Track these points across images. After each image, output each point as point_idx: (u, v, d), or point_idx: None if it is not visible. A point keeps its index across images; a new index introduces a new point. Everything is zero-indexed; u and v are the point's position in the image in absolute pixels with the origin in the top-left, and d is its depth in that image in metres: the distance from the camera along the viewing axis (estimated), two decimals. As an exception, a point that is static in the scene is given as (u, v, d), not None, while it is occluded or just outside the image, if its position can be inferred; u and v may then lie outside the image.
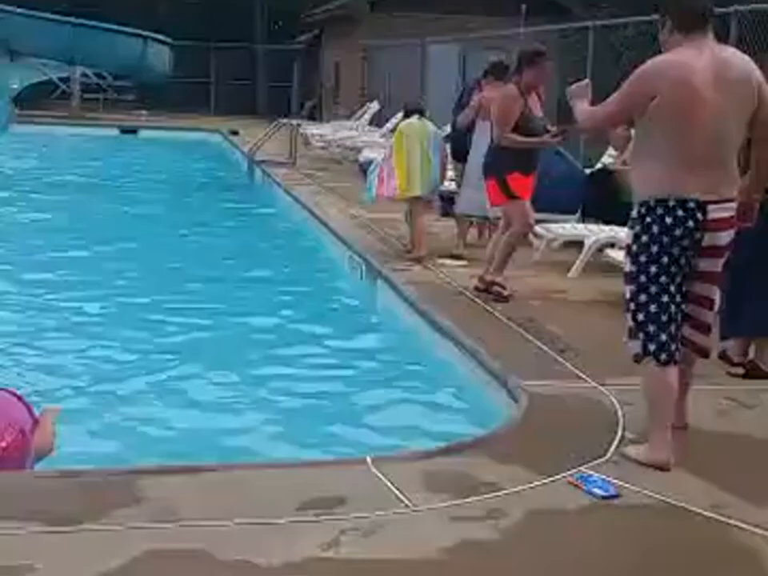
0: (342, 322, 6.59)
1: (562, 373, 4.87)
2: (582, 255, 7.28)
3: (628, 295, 3.75)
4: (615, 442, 3.92)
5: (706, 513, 3.33)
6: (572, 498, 3.42)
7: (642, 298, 3.68)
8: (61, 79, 24.73)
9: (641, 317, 3.70)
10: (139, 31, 21.98)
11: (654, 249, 3.63)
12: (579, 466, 3.65)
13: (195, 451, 4.11)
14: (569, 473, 3.59)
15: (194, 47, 26.48)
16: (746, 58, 3.71)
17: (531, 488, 3.49)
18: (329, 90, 25.29)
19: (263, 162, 14.52)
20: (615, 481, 3.54)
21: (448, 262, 7.64)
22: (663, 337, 3.67)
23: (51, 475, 3.46)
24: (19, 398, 3.83)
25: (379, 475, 3.52)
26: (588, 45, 11.15)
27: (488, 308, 6.13)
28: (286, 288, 7.62)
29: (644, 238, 3.66)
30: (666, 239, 3.61)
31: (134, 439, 4.28)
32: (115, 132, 21.33)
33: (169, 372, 5.38)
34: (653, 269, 3.65)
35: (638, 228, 3.69)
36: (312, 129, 18.13)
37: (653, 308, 3.66)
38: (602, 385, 4.65)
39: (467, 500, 3.37)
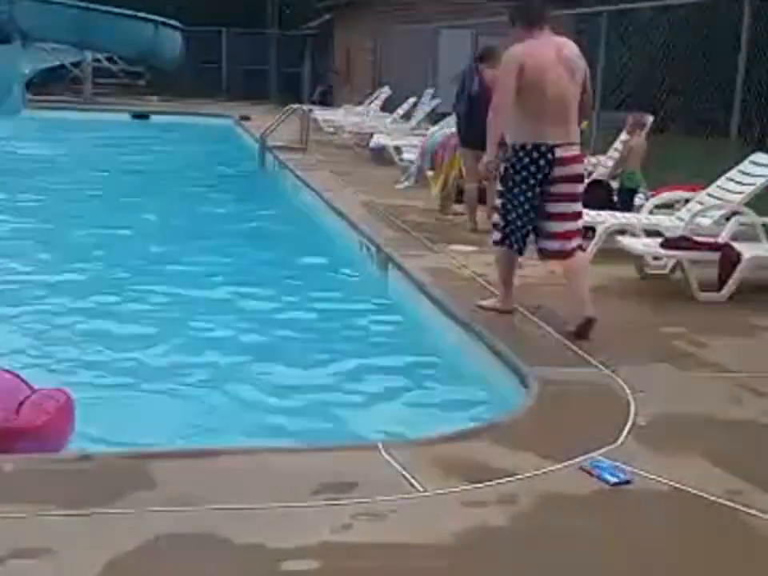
0: (352, 308, 6.60)
1: (573, 359, 4.87)
2: (593, 241, 7.25)
3: (499, 204, 5.41)
4: (627, 429, 3.92)
5: (719, 499, 3.33)
6: (583, 485, 3.42)
7: (508, 208, 5.31)
8: (73, 64, 24.75)
9: (504, 221, 5.37)
10: (151, 16, 21.95)
11: (518, 177, 5.20)
12: (591, 452, 3.65)
13: (210, 435, 4.13)
14: (580, 459, 3.59)
15: (206, 32, 26.47)
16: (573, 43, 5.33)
17: (543, 474, 3.49)
18: (340, 75, 25.24)
19: (274, 147, 14.51)
20: (627, 467, 3.54)
21: (460, 247, 7.64)
22: (517, 234, 5.34)
23: (66, 458, 3.49)
24: (19, 377, 3.90)
25: (390, 460, 3.53)
26: (600, 30, 11.09)
27: (498, 293, 6.11)
28: (295, 273, 7.63)
29: (513, 169, 5.22)
30: (525, 172, 5.17)
31: (149, 422, 4.30)
32: (127, 117, 21.35)
33: (183, 357, 5.39)
34: (516, 190, 5.23)
35: (510, 162, 5.23)
36: (323, 114, 18.11)
37: (512, 216, 5.29)
38: (614, 371, 4.65)
39: (479, 486, 3.38)
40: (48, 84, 23.37)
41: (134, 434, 4.12)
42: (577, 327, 5.20)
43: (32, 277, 7.15)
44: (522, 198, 5.22)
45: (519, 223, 5.29)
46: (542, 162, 5.12)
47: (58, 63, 23.83)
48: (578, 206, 5.36)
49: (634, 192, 8.15)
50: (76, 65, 24.75)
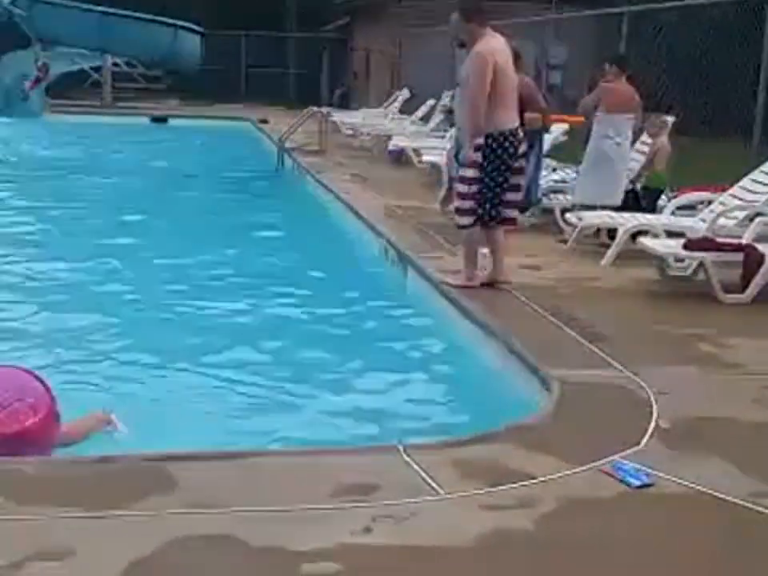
0: (371, 309, 6.59)
1: (594, 361, 4.84)
2: (614, 243, 7.22)
3: (466, 189, 5.99)
4: (649, 431, 3.89)
5: (742, 502, 3.30)
6: (606, 487, 3.40)
7: (485, 190, 5.96)
8: (92, 68, 24.89)
9: (477, 203, 5.99)
10: (170, 20, 22.03)
11: (498, 161, 5.91)
12: (613, 455, 3.62)
13: (229, 437, 4.13)
14: (602, 462, 3.56)
15: (225, 36, 26.54)
16: None
17: (564, 477, 3.47)
18: (359, 77, 25.25)
19: (293, 149, 14.54)
20: (649, 470, 3.51)
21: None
22: (491, 212, 6.04)
23: (88, 461, 3.50)
24: (38, 378, 3.91)
25: (411, 462, 3.52)
26: (622, 30, 11.03)
27: (519, 296, 6.11)
28: (315, 274, 7.63)
29: (494, 154, 5.89)
30: (505, 155, 5.92)
31: (167, 425, 4.30)
32: (146, 121, 21.44)
33: (202, 358, 5.39)
34: (495, 172, 5.93)
35: (482, 148, 5.87)
36: (342, 117, 18.12)
37: (489, 195, 5.98)
38: (635, 373, 4.62)
39: (499, 488, 3.36)
40: (68, 88, 23.50)
41: (152, 436, 4.12)
42: (491, 281, 6.20)
43: (46, 282, 7.16)
44: (500, 179, 5.97)
45: (495, 201, 6.02)
46: (514, 142, 5.95)
47: (78, 67, 23.95)
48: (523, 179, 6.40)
49: (659, 193, 8.10)
50: (96, 69, 24.89)
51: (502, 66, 5.90)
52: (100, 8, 21.33)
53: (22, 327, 5.86)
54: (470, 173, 5.98)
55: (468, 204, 6.03)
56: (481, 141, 5.88)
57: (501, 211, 6.07)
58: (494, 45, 5.94)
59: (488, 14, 6.02)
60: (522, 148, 6.08)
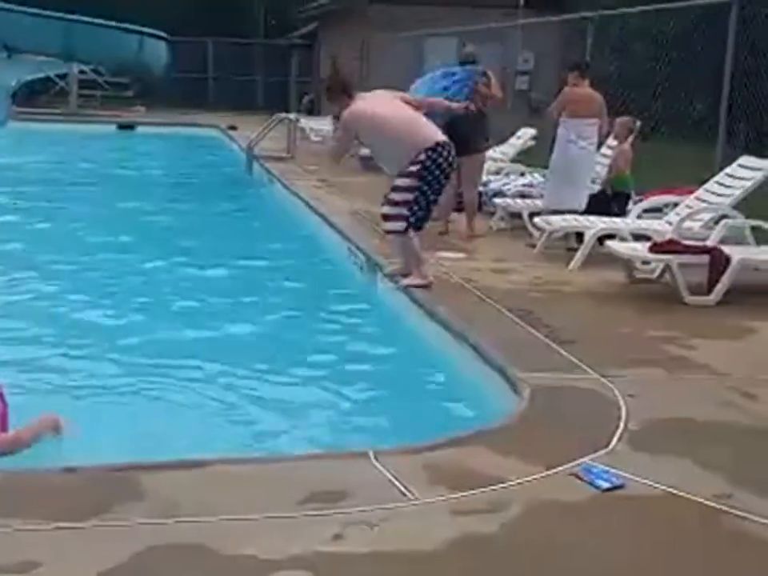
0: (340, 316, 6.57)
1: (563, 364, 4.86)
2: (582, 246, 7.26)
3: (403, 197, 6.24)
4: (618, 433, 3.91)
5: (711, 503, 3.32)
6: (575, 490, 3.41)
7: (424, 197, 6.26)
8: (58, 76, 24.70)
9: (413, 211, 6.27)
10: (136, 26, 21.93)
11: (438, 171, 6.20)
12: (582, 457, 3.64)
13: (197, 446, 4.09)
14: (572, 465, 3.58)
15: (191, 42, 26.45)
16: None
17: (534, 480, 3.47)
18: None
19: (262, 156, 14.49)
20: (619, 472, 3.52)
21: (448, 254, 7.64)
22: (427, 216, 6.44)
23: (54, 471, 3.45)
24: None
25: (381, 468, 3.51)
26: (586, 36, 11.13)
27: (489, 300, 6.12)
28: (284, 283, 7.61)
29: (435, 164, 6.17)
30: (444, 164, 6.23)
31: (136, 434, 4.25)
32: (113, 128, 21.30)
33: (172, 367, 5.35)
34: (435, 182, 6.24)
35: (432, 159, 6.16)
36: (310, 123, 18.10)
37: (426, 201, 6.29)
38: (604, 376, 4.64)
39: (469, 493, 3.36)
40: (33, 96, 23.31)
41: (119, 445, 4.08)
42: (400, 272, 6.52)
43: (18, 295, 7.08)
44: (438, 186, 6.30)
45: (431, 207, 6.42)
46: (450, 151, 6.29)
47: (43, 75, 23.76)
48: None
49: (626, 196, 8.17)
50: (61, 76, 24.70)
51: (380, 113, 6.27)
52: (65, 15, 21.20)
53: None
54: (408, 182, 6.21)
55: (404, 210, 6.25)
56: (422, 156, 6.16)
57: (427, 218, 6.46)
58: (361, 104, 6.35)
59: (351, 86, 6.61)
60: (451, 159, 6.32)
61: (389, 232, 6.43)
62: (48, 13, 21.25)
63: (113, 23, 21.66)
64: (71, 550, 2.88)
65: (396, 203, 6.28)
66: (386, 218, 6.39)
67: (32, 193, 12.22)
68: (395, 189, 6.31)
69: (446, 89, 8.30)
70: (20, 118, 19.94)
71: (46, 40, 20.65)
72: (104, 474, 3.43)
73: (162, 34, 22.66)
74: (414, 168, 6.16)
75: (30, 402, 4.45)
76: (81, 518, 3.05)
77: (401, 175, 6.23)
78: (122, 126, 21.52)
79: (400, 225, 6.30)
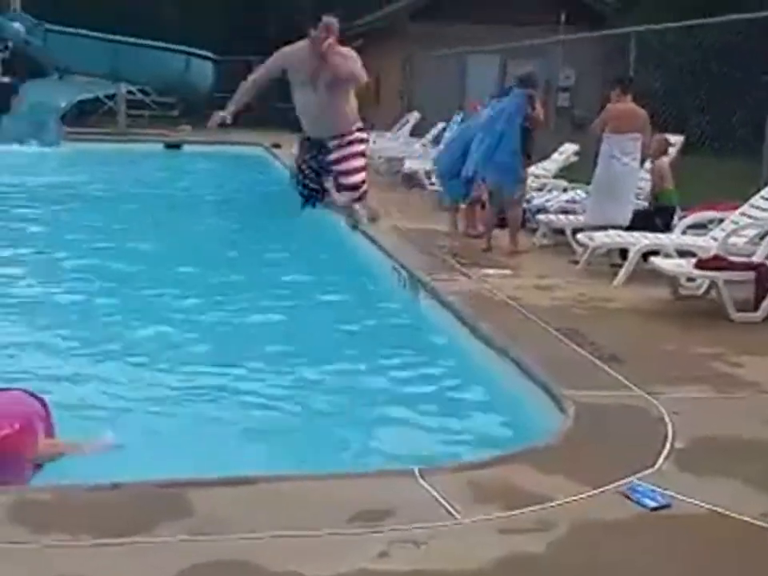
0: (384, 332, 6.60)
1: (608, 382, 4.83)
2: (626, 263, 7.22)
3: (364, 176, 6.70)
4: (665, 452, 3.88)
5: (758, 522, 3.29)
6: (622, 509, 3.39)
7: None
8: (107, 96, 25.11)
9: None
10: (183, 47, 22.24)
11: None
12: (628, 476, 3.62)
13: (243, 463, 4.13)
14: (618, 483, 3.56)
15: (237, 62, 26.70)
16: None
17: (580, 499, 3.46)
18: (369, 100, 25.35)
19: (306, 174, 14.56)
20: (666, 491, 3.50)
21: (492, 272, 7.64)
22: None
23: (102, 487, 3.51)
24: (40, 400, 3.98)
25: (427, 486, 3.52)
26: (629, 51, 11.08)
27: (532, 317, 6.12)
28: (328, 297, 7.64)
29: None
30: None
31: (182, 451, 4.31)
32: (160, 147, 21.59)
33: (219, 383, 5.41)
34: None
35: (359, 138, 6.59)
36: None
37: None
38: (650, 394, 4.61)
39: (515, 512, 3.36)
40: (83, 116, 23.70)
41: (166, 462, 4.14)
42: None
43: (59, 306, 7.21)
44: None
45: None
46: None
47: (92, 96, 24.17)
48: None
49: (671, 211, 8.11)
50: (110, 97, 25.11)
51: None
52: (114, 37, 21.56)
53: (33, 350, 5.89)
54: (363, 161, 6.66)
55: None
56: (364, 134, 6.68)
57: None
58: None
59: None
60: None
61: (360, 199, 6.77)
62: (97, 35, 21.65)
63: (160, 44, 22.00)
64: (118, 565, 2.93)
65: (363, 180, 6.70)
66: (357, 188, 6.65)
67: (83, 210, 12.44)
68: (358, 170, 6.63)
69: (502, 135, 8.36)
70: (70, 138, 20.31)
71: (96, 61, 21.03)
72: (150, 490, 3.48)
73: (209, 54, 22.95)
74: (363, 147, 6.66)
75: (76, 414, 4.54)
76: (128, 533, 3.10)
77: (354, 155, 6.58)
78: (169, 145, 21.81)
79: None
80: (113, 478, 3.52)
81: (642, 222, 7.88)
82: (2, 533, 3.07)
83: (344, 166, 6.63)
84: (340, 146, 6.63)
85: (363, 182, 6.72)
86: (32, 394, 4.14)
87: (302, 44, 6.57)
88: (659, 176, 8.14)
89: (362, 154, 6.74)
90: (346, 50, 6.56)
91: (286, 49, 6.81)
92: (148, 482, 3.55)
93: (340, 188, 6.69)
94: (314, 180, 6.87)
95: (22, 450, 3.84)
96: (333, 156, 6.64)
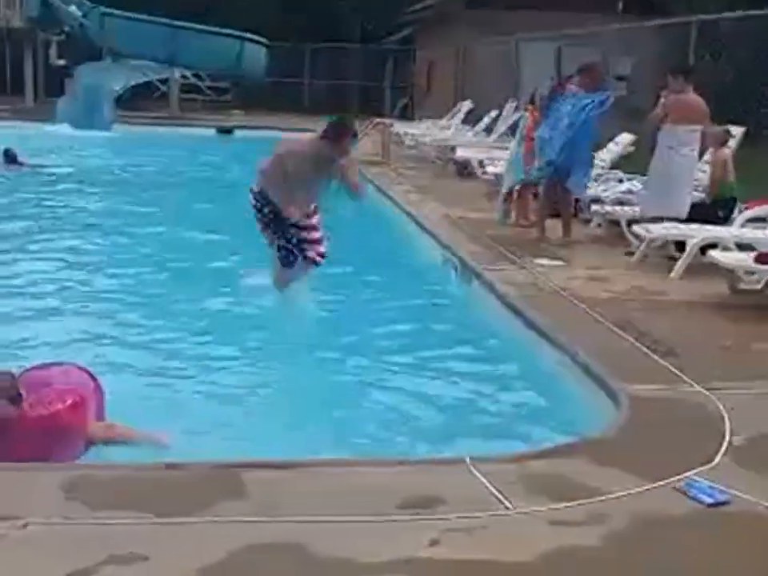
0: (435, 322, 6.57)
1: (664, 376, 4.75)
2: (684, 255, 7.10)
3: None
4: (723, 448, 3.81)
5: (819, 523, 3.21)
6: (678, 505, 3.33)
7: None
8: (160, 80, 25.35)
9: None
10: (236, 32, 22.34)
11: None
12: (685, 472, 3.55)
13: (296, 447, 4.14)
14: (674, 479, 3.50)
15: (289, 48, 26.82)
16: None
17: (635, 493, 3.41)
18: (421, 88, 25.30)
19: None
20: (723, 488, 3.43)
21: (544, 262, 7.56)
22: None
23: (157, 467, 3.54)
24: (92, 377, 4.04)
25: (478, 476, 3.49)
26: (690, 40, 10.88)
27: (587, 309, 6.04)
28: (378, 287, 7.63)
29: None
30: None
31: (237, 433, 4.34)
32: (212, 132, 21.75)
33: (269, 370, 5.43)
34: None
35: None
36: (404, 128, 18.15)
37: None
38: (707, 389, 4.53)
39: (568, 504, 3.31)
40: (136, 100, 23.96)
41: (221, 444, 4.16)
42: None
43: (110, 292, 7.27)
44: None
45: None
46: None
47: (146, 79, 24.41)
48: None
49: (731, 203, 7.96)
50: (163, 81, 25.34)
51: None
52: (169, 21, 21.71)
53: (88, 335, 5.96)
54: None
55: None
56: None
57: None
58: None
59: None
60: None
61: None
62: (153, 19, 21.82)
63: (214, 29, 22.12)
64: (174, 545, 2.95)
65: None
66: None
67: (135, 194, 12.57)
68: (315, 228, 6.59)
69: (583, 129, 8.32)
70: (122, 122, 20.53)
71: (151, 45, 21.21)
72: (206, 471, 3.50)
73: (262, 40, 23.03)
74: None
75: (134, 399, 4.59)
76: (183, 513, 3.12)
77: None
78: (221, 130, 21.97)
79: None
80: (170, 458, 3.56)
81: (700, 214, 7.73)
82: (58, 510, 3.11)
83: (313, 236, 6.60)
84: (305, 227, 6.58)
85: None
86: (87, 373, 4.20)
87: (315, 137, 6.46)
88: (721, 167, 7.99)
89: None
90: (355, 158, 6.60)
91: (302, 140, 6.76)
92: (202, 463, 3.58)
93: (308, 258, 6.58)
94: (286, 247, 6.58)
95: (72, 426, 3.89)
96: (303, 233, 6.55)
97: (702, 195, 8.31)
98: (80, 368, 4.22)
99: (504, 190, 9.69)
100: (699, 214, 7.75)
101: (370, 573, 2.83)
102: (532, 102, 9.77)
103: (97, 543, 2.91)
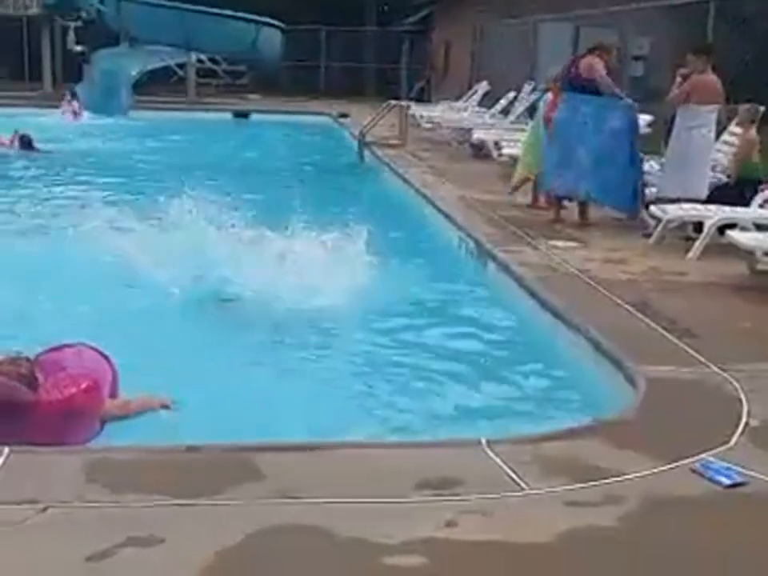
0: (451, 303, 6.57)
1: (680, 357, 4.74)
2: (701, 236, 7.06)
3: None
4: (740, 430, 3.80)
5: (837, 504, 3.20)
6: (695, 486, 3.33)
7: None
8: (177, 65, 25.33)
9: None
10: (252, 16, 22.27)
11: None
12: (702, 453, 3.55)
13: (312, 429, 4.16)
14: (691, 460, 3.50)
15: (305, 31, 26.74)
16: None
17: (651, 475, 3.41)
18: (438, 70, 25.17)
19: (373, 143, 14.57)
20: (740, 469, 3.42)
21: (560, 244, 7.54)
22: None
23: (177, 450, 3.56)
24: (105, 356, 4.09)
25: (494, 457, 3.50)
26: (708, 20, 10.77)
27: (603, 290, 6.02)
28: (394, 268, 7.60)
29: None
30: None
31: (254, 415, 4.35)
32: (228, 116, 21.75)
33: (292, 347, 5.43)
34: None
35: None
36: (421, 110, 18.08)
37: None
38: (724, 370, 4.51)
39: (584, 485, 3.32)
40: (153, 85, 23.96)
41: (238, 426, 4.18)
42: None
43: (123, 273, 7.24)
44: None
45: None
46: None
47: (163, 64, 24.40)
48: None
49: (756, 184, 7.89)
50: (180, 66, 25.33)
51: None
52: (185, 5, 21.67)
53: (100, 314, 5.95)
54: None
55: None
56: None
57: None
58: None
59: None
60: None
61: None
62: (169, 3, 21.77)
63: (230, 12, 22.05)
64: (193, 527, 2.98)
65: None
66: None
67: (155, 179, 12.58)
68: None
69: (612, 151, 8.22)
70: (140, 107, 20.55)
71: (168, 30, 21.18)
72: (225, 454, 3.53)
73: (278, 24, 22.94)
74: None
75: (149, 378, 4.60)
76: (202, 496, 3.15)
77: None
78: (238, 114, 21.96)
79: None
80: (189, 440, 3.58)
81: (725, 195, 7.66)
82: (78, 492, 3.14)
83: None
84: None
85: None
86: (99, 353, 4.25)
87: None
88: (750, 146, 7.90)
89: None
90: None
91: None
92: (222, 445, 3.60)
93: None
94: None
95: (87, 409, 3.94)
96: None
97: (720, 176, 8.25)
98: (92, 348, 4.28)
99: (522, 175, 9.58)
100: (723, 195, 7.68)
101: (387, 554, 2.84)
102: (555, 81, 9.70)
103: (116, 526, 2.94)
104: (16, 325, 5.49)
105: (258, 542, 2.89)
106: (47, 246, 7.87)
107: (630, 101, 8.34)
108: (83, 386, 3.93)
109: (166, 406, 4.27)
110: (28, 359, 3.97)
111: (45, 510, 3.01)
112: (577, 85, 8.40)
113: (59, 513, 3.01)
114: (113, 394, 4.21)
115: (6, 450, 3.40)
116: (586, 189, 8.37)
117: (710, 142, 7.98)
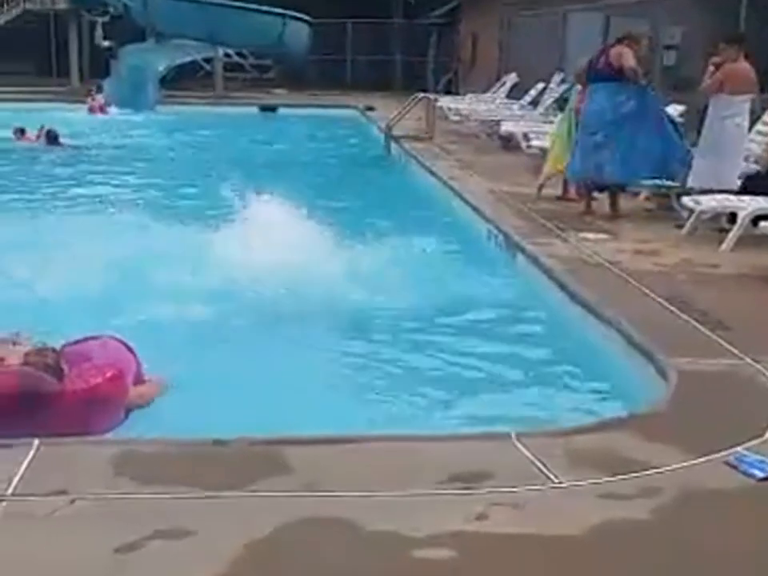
0: (479, 296, 6.51)
1: (713, 349, 4.68)
2: (735, 227, 6.97)
3: None
4: (774, 422, 3.74)
5: None
6: (728, 479, 3.28)
7: None
8: (204, 60, 25.42)
9: None
10: (279, 10, 22.29)
11: None
12: (735, 445, 3.50)
13: (340, 422, 4.14)
14: (724, 453, 3.44)
15: (332, 24, 26.73)
16: None
17: (684, 467, 3.36)
18: (465, 62, 25.06)
19: (400, 137, 14.53)
20: (775, 462, 3.37)
21: (590, 236, 7.47)
22: None
23: (202, 442, 3.56)
24: (129, 348, 4.13)
25: (524, 450, 3.47)
26: (740, 8, 10.63)
27: (634, 282, 5.96)
28: (422, 261, 7.57)
29: None
30: None
31: (280, 408, 4.34)
32: (255, 110, 21.79)
33: (311, 342, 5.42)
34: None
35: None
36: (449, 103, 18.02)
37: None
38: (757, 361, 4.44)
39: (615, 478, 3.28)
40: (180, 80, 24.06)
41: (264, 420, 4.17)
42: None
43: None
44: None
45: None
46: None
47: (190, 59, 24.48)
48: None
49: None
50: (207, 60, 25.41)
51: None
52: (212, 0, 21.73)
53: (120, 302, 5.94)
54: None
55: None
56: None
57: None
58: None
59: None
60: None
61: None
62: (195, -2, 21.84)
63: (256, 6, 22.08)
64: (222, 519, 2.97)
65: None
66: None
67: (184, 174, 12.64)
68: None
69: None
70: (167, 102, 20.64)
71: (195, 25, 21.25)
72: (252, 447, 3.52)
73: (305, 17, 22.95)
74: None
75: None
76: (229, 489, 3.14)
77: None
78: (265, 108, 21.99)
79: None
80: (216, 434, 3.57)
81: (757, 185, 7.54)
82: (106, 484, 3.15)
83: None
84: None
85: None
86: (123, 344, 4.28)
87: None
88: None
89: None
90: None
91: None
92: (248, 438, 3.58)
93: None
94: None
95: (111, 399, 3.98)
96: None
97: (754, 166, 8.14)
98: (116, 339, 4.32)
99: (550, 170, 9.47)
100: (755, 185, 7.57)
101: (417, 547, 2.82)
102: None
103: (144, 518, 2.94)
104: (59, 318, 5.51)
105: (287, 535, 2.88)
106: (74, 241, 7.94)
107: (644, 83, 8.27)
108: (108, 375, 3.98)
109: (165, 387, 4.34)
110: (54, 350, 4.01)
111: (73, 501, 3.01)
112: (604, 74, 8.31)
113: (88, 505, 3.01)
114: (137, 384, 4.25)
115: (36, 441, 3.41)
116: (624, 174, 8.29)
117: (743, 132, 7.87)
